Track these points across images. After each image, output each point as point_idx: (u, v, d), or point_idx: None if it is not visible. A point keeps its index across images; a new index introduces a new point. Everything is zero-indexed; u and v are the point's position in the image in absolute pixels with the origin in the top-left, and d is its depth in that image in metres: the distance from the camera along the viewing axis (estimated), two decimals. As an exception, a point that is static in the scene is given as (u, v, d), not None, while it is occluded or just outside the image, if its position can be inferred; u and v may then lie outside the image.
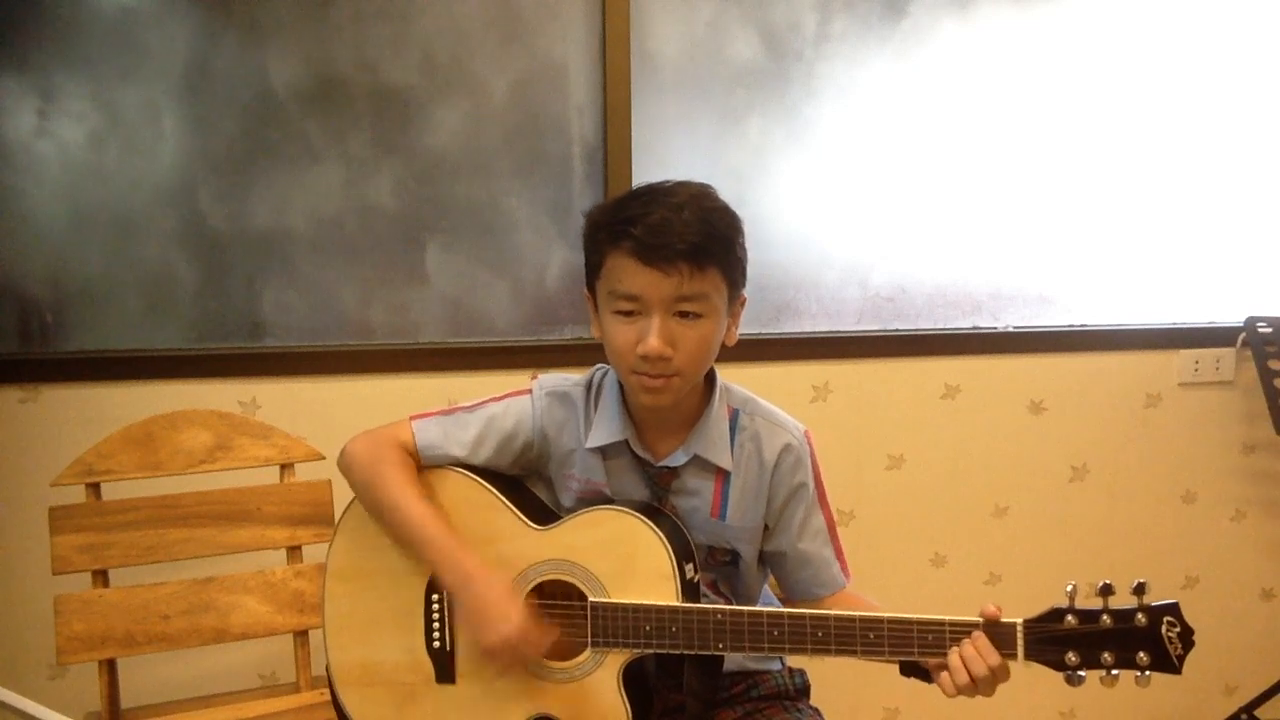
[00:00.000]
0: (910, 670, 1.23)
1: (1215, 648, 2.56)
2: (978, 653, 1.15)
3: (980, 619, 1.16)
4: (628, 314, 1.25)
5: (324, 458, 1.75)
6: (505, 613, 1.23)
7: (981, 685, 1.16)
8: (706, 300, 1.24)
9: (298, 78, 2.02)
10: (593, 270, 1.30)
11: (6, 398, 1.93)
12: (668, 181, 1.28)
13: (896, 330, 2.37)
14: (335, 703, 1.37)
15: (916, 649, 1.18)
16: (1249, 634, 2.61)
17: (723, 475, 1.35)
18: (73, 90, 1.94)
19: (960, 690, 1.16)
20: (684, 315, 1.24)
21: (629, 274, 1.23)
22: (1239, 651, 2.59)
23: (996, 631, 1.15)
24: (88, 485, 1.68)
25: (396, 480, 1.31)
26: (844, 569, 1.41)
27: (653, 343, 1.22)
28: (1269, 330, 2.41)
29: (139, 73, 1.96)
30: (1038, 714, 2.53)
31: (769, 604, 1.50)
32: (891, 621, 1.18)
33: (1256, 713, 2.45)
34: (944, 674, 1.17)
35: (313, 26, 2.02)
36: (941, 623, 1.17)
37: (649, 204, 1.23)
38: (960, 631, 1.17)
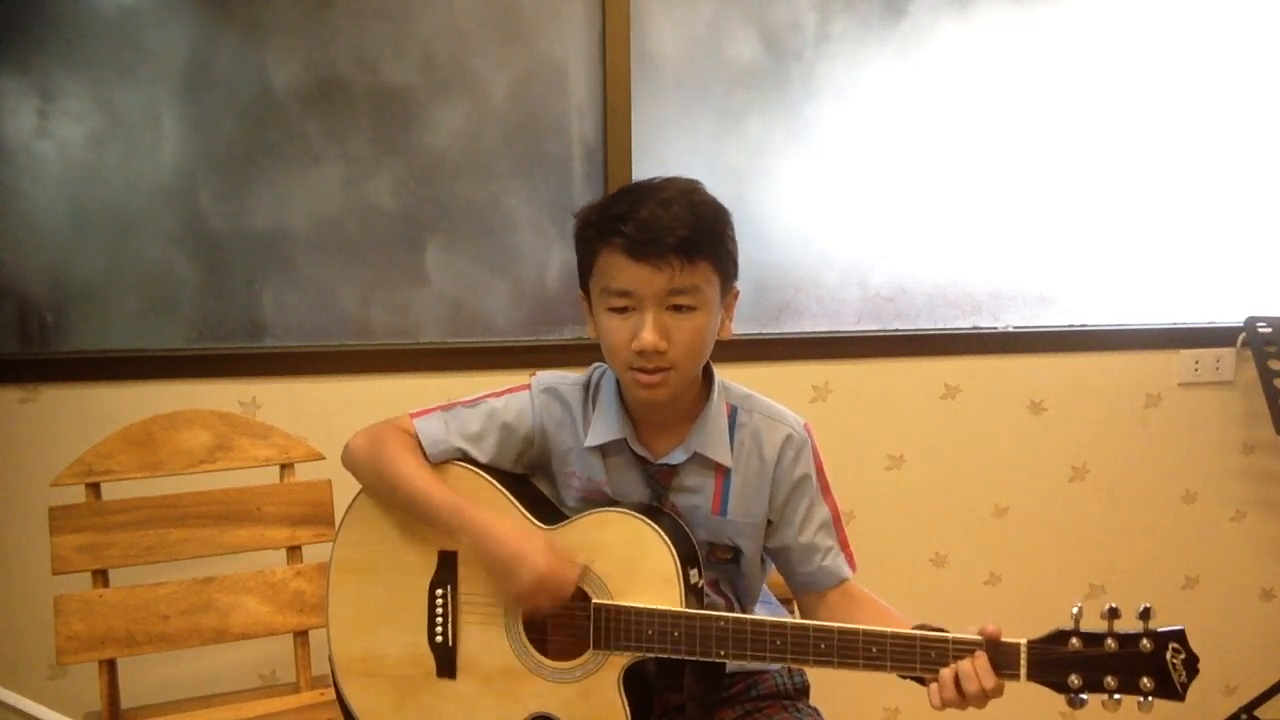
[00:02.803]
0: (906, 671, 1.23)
1: (1215, 648, 2.55)
2: (974, 671, 1.13)
3: (982, 638, 1.15)
4: (621, 310, 1.26)
5: (324, 458, 1.75)
6: (528, 556, 1.24)
7: (971, 701, 1.14)
8: (699, 293, 1.25)
9: (298, 78, 2.02)
10: (585, 270, 1.31)
11: (6, 398, 1.93)
12: (656, 178, 1.29)
13: (896, 330, 2.37)
14: (337, 693, 1.38)
15: (919, 664, 1.16)
16: (1249, 634, 2.61)
17: (723, 472, 1.35)
18: (73, 90, 1.93)
19: (946, 703, 1.15)
20: (677, 309, 1.25)
21: (620, 270, 1.24)
22: (1239, 651, 2.59)
23: (1000, 651, 1.14)
24: (88, 485, 1.69)
25: (399, 457, 1.32)
26: (849, 559, 1.40)
27: (647, 337, 1.23)
28: (1269, 330, 2.41)
29: (139, 73, 1.96)
30: (1037, 714, 2.53)
31: (767, 603, 1.50)
32: (894, 637, 1.17)
33: (1256, 713, 2.45)
34: (934, 686, 1.16)
35: (313, 26, 2.02)
36: (945, 640, 1.16)
37: (637, 200, 1.24)
38: (964, 649, 1.15)
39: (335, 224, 2.07)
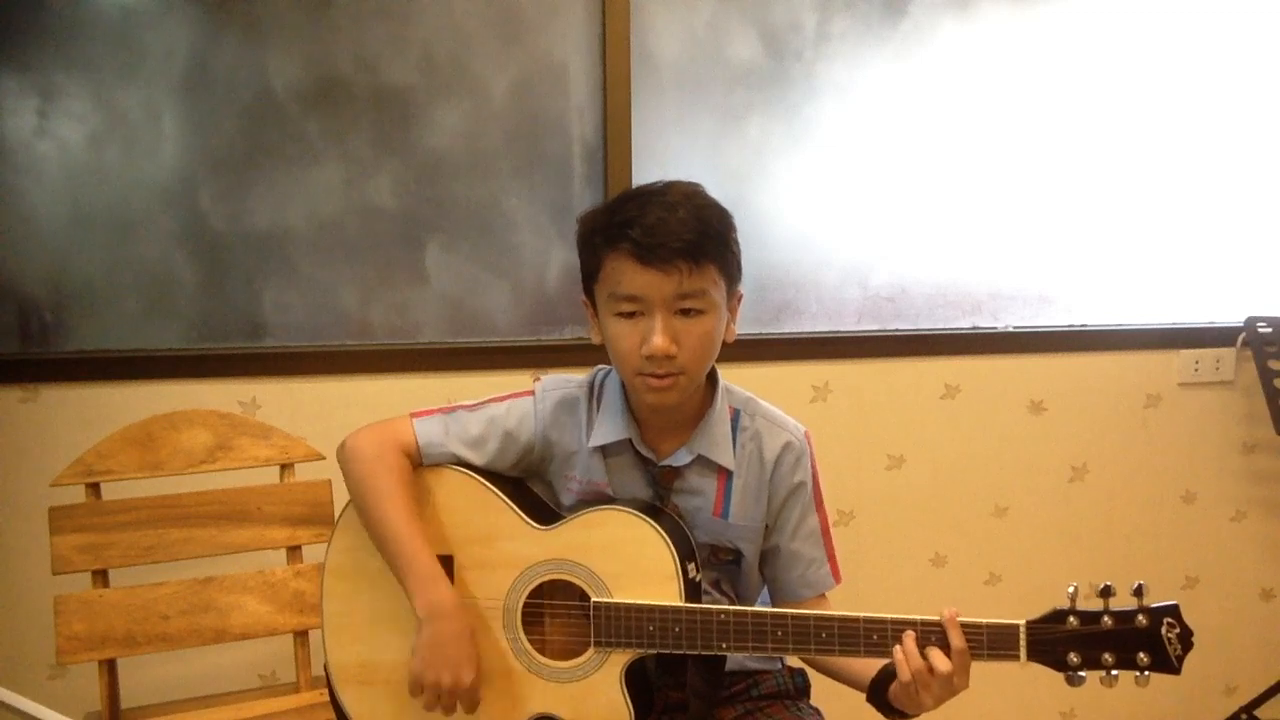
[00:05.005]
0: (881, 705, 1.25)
1: (1215, 648, 2.56)
2: (938, 652, 1.15)
3: (985, 621, 1.16)
4: (629, 315, 1.26)
5: (324, 458, 1.75)
6: (460, 661, 1.24)
7: (943, 674, 1.15)
8: (706, 296, 1.25)
9: (298, 78, 2.02)
10: (590, 275, 1.31)
11: (6, 398, 1.92)
12: (658, 182, 1.29)
13: (896, 330, 2.37)
14: (334, 701, 1.37)
15: (920, 649, 1.18)
16: (1249, 634, 2.61)
17: (725, 474, 1.36)
18: (73, 90, 1.93)
19: (914, 674, 1.15)
20: (685, 313, 1.25)
21: (628, 275, 1.24)
22: (1239, 651, 2.59)
23: (999, 633, 1.16)
24: (88, 485, 1.68)
25: (389, 490, 1.30)
26: (834, 570, 1.41)
27: (657, 341, 1.23)
28: (1269, 330, 2.41)
29: (139, 73, 1.96)
30: (1037, 714, 2.53)
31: (767, 604, 1.50)
32: (894, 622, 1.19)
33: (1256, 713, 2.45)
34: (900, 682, 1.17)
35: (313, 26, 2.02)
36: (939, 622, 1.17)
37: (643, 205, 1.24)
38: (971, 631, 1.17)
39: (335, 224, 2.07)
